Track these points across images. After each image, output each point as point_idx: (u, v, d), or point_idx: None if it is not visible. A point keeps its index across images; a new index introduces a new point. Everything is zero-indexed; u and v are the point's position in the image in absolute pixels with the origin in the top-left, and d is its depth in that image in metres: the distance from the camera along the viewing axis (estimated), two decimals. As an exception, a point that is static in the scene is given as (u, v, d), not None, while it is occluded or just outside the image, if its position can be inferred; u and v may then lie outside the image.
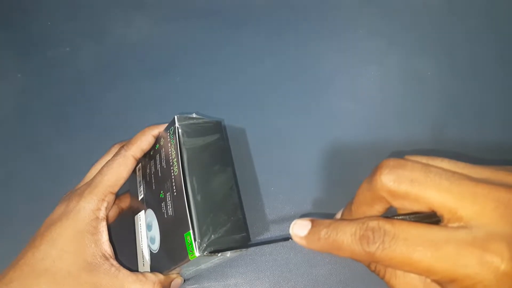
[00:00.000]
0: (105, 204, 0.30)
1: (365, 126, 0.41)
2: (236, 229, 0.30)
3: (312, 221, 0.21)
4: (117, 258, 0.30)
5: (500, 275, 0.15)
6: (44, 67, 0.48)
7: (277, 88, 0.44)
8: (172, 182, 0.30)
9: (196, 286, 0.35)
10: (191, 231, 0.27)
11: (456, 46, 0.46)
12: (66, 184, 0.34)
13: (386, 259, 0.17)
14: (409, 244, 0.17)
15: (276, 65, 0.46)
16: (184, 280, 0.33)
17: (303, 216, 0.37)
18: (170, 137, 0.32)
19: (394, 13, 0.49)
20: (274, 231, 0.36)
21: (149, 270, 0.31)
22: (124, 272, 0.28)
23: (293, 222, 0.22)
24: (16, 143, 0.43)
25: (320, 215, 0.37)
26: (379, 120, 0.42)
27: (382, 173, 0.18)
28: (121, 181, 0.32)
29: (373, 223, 0.18)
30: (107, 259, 0.29)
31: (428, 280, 0.19)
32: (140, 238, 0.33)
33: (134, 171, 0.34)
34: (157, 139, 0.34)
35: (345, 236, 0.19)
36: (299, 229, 0.21)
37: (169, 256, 0.29)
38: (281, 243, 0.35)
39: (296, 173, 0.39)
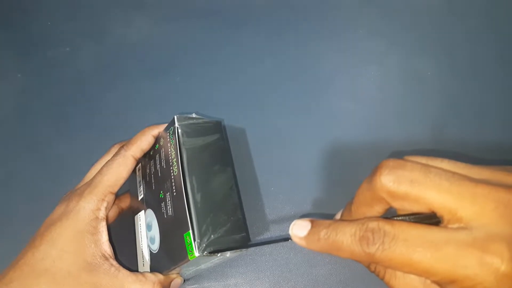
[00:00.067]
0: (105, 204, 0.30)
1: (365, 126, 0.41)
2: (236, 229, 0.30)
3: (312, 222, 0.21)
4: (117, 258, 0.30)
5: (500, 276, 0.15)
6: (44, 67, 0.48)
7: (277, 88, 0.44)
8: (172, 182, 0.30)
9: (196, 286, 0.35)
10: (190, 231, 0.27)
11: (456, 46, 0.46)
12: (66, 184, 0.34)
13: (385, 260, 0.17)
14: (409, 245, 0.17)
15: (276, 65, 0.46)
16: (184, 280, 0.33)
17: (303, 216, 0.37)
18: (169, 137, 0.32)
19: (394, 13, 0.49)
20: (274, 231, 0.36)
21: (149, 270, 0.31)
22: (124, 272, 0.28)
23: (292, 223, 0.22)
24: (16, 143, 0.43)
25: (320, 215, 0.37)
26: (379, 120, 0.41)
27: (381, 173, 0.18)
28: (121, 181, 0.32)
29: (373, 224, 0.18)
30: (107, 259, 0.29)
31: (428, 281, 0.19)
32: (140, 238, 0.33)
33: (134, 171, 0.34)
34: (157, 139, 0.34)
35: (344, 237, 0.19)
36: (299, 229, 0.21)
37: (169, 256, 0.29)
38: (281, 243, 0.35)
39: (296, 173, 0.39)
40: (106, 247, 0.29)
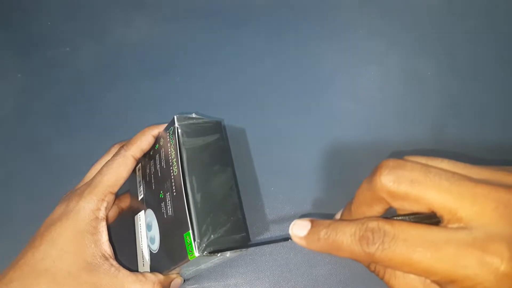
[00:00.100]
0: (104, 204, 0.30)
1: (365, 126, 0.41)
2: (236, 229, 0.30)
3: (312, 222, 0.21)
4: (117, 258, 0.30)
5: (500, 275, 0.15)
6: (44, 67, 0.48)
7: (277, 88, 0.44)
8: (172, 182, 0.30)
9: (196, 286, 0.35)
10: (190, 231, 0.27)
11: (456, 46, 0.46)
12: (66, 184, 0.34)
13: (385, 260, 0.17)
14: (409, 245, 0.17)
15: (276, 65, 0.46)
16: (184, 280, 0.33)
17: (303, 216, 0.37)
18: (169, 137, 0.32)
19: (394, 13, 0.49)
20: (274, 231, 0.36)
21: (149, 270, 0.31)
22: (124, 272, 0.28)
23: (292, 223, 0.22)
24: (16, 143, 0.43)
25: (320, 215, 0.37)
26: (379, 120, 0.41)
27: (381, 173, 0.18)
28: (121, 181, 0.32)
29: (372, 224, 0.18)
30: (106, 259, 0.29)
31: (428, 281, 0.19)
32: (140, 238, 0.33)
33: (134, 171, 0.34)
34: (157, 139, 0.34)
35: (344, 237, 0.19)
36: (299, 229, 0.21)
37: (169, 256, 0.29)
38: (281, 243, 0.35)
39: (296, 173, 0.39)
40: (106, 247, 0.29)
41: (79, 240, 0.28)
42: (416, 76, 0.44)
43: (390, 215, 0.19)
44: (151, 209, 0.32)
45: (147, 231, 0.32)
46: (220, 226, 0.29)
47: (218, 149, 0.33)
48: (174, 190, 0.29)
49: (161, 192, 0.31)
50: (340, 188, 0.37)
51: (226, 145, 0.36)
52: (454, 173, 0.18)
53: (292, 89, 0.44)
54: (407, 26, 0.48)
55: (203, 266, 0.31)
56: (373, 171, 0.19)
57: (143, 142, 0.33)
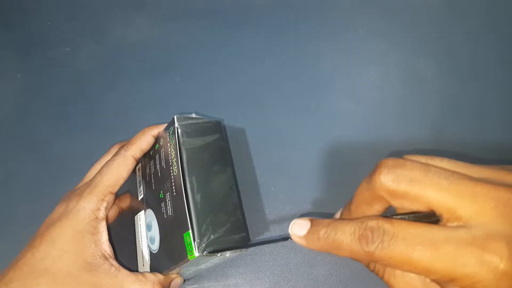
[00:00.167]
0: (104, 204, 0.30)
1: (365, 126, 0.41)
2: (236, 229, 0.30)
3: (311, 221, 0.21)
4: (117, 258, 0.30)
5: (499, 274, 0.15)
6: (44, 67, 0.48)
7: (277, 88, 0.44)
8: (172, 182, 0.30)
9: (196, 286, 0.35)
10: (190, 231, 0.27)
11: (456, 46, 0.46)
12: (66, 184, 0.34)
13: (385, 259, 0.17)
14: (408, 244, 0.17)
15: (276, 65, 0.46)
16: (184, 280, 0.33)
17: (303, 216, 0.37)
18: (169, 137, 0.32)
19: (394, 13, 0.49)
20: (274, 231, 0.36)
21: (149, 270, 0.31)
22: (124, 272, 0.28)
23: (292, 222, 0.22)
24: (16, 143, 0.43)
25: (320, 215, 0.37)
26: (379, 120, 0.41)
27: (381, 172, 0.18)
28: (120, 181, 0.32)
29: (372, 223, 0.18)
30: (106, 259, 0.29)
31: (427, 280, 0.19)
32: (140, 238, 0.33)
33: (134, 171, 0.34)
34: (157, 139, 0.34)
35: (344, 236, 0.19)
36: (299, 228, 0.21)
37: (169, 256, 0.29)
38: (281, 243, 0.35)
39: (296, 173, 0.39)
40: (106, 247, 0.29)
41: (79, 240, 0.28)
42: (416, 76, 0.44)
43: (389, 214, 0.19)
44: (151, 209, 0.32)
45: (147, 231, 0.32)
46: (220, 226, 0.29)
47: (218, 149, 0.33)
48: (174, 190, 0.29)
49: (161, 192, 0.31)
50: (340, 188, 0.37)
51: (226, 145, 0.36)
52: (453, 172, 0.18)
53: (292, 89, 0.44)
54: (407, 26, 0.48)
55: (203, 266, 0.31)
56: (373, 170, 0.19)
57: (143, 142, 0.33)
